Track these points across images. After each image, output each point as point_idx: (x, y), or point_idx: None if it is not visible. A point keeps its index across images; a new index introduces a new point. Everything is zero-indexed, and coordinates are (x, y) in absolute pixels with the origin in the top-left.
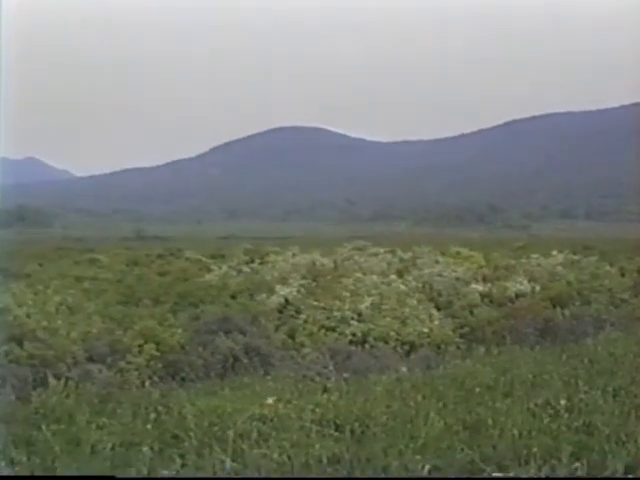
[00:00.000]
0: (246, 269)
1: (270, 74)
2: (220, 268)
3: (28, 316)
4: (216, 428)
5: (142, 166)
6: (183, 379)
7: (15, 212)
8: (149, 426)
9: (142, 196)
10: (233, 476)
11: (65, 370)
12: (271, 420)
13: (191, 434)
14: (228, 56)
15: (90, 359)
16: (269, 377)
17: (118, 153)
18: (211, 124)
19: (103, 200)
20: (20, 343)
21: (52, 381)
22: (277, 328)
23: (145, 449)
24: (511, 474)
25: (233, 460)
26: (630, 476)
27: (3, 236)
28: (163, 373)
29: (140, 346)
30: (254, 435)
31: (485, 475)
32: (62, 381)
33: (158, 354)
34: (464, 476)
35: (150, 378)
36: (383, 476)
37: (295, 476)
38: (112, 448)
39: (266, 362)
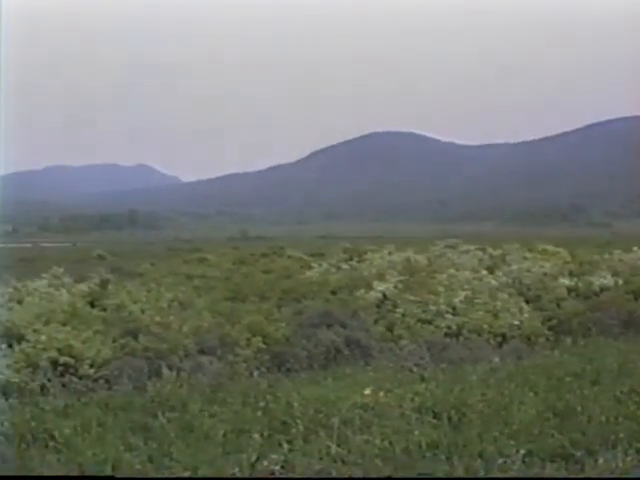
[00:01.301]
0: (345, 266)
1: (366, 80)
2: (320, 266)
3: (142, 312)
4: (321, 415)
5: (246, 171)
6: (288, 370)
7: (127, 216)
8: (259, 413)
9: (246, 199)
10: (233, 476)
11: (178, 362)
12: (372, 408)
13: (298, 421)
14: (325, 65)
15: (201, 351)
16: (369, 368)
17: (224, 159)
18: (310, 130)
19: (210, 203)
20: (135, 337)
21: (166, 372)
22: (376, 322)
23: (255, 435)
24: (600, 459)
25: (338, 445)
26: (630, 476)
27: (116, 238)
28: (270, 364)
29: (248, 339)
30: (357, 422)
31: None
32: (175, 372)
33: (265, 347)
34: (464, 476)
35: (258, 369)
36: (384, 476)
37: (295, 476)
38: (224, 435)
39: (366, 354)
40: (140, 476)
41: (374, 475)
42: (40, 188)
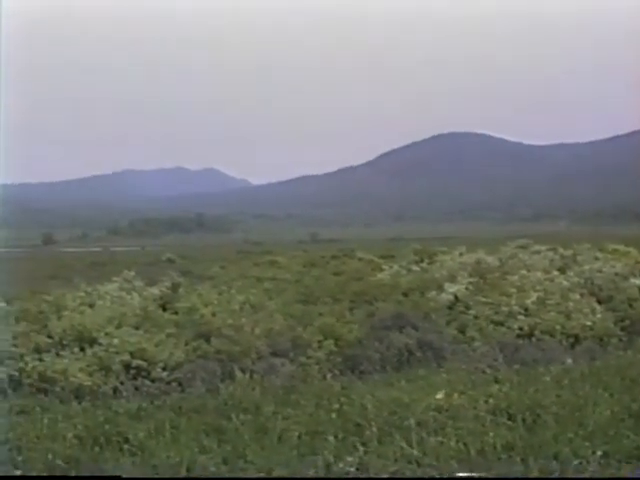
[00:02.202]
0: (416, 268)
1: (432, 81)
2: (391, 267)
3: (214, 314)
4: (395, 417)
5: (315, 173)
6: (361, 372)
7: (196, 219)
8: (333, 416)
9: (315, 202)
10: (232, 476)
11: (250, 364)
12: (447, 410)
13: (372, 423)
14: (390, 69)
15: (273, 354)
16: (442, 370)
17: (293, 162)
18: (378, 132)
19: (279, 206)
20: (207, 339)
21: (238, 374)
22: (448, 323)
23: (330, 437)
24: None
25: (412, 447)
26: (630, 476)
27: (185, 241)
28: (342, 367)
29: (320, 341)
30: (432, 424)
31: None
32: (248, 374)
33: (337, 349)
34: (464, 476)
35: (330, 371)
36: (384, 476)
37: (295, 476)
38: (298, 437)
39: (439, 355)
40: (145, 476)
41: (373, 475)
42: (109, 192)
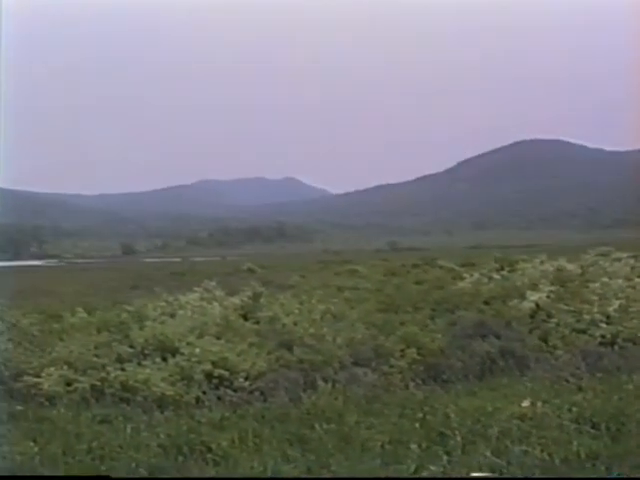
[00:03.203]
0: (496, 276)
1: (512, 85)
2: (472, 276)
3: (295, 324)
4: (479, 426)
5: (394, 182)
6: (444, 381)
7: (276, 228)
8: (416, 425)
9: (395, 210)
10: (232, 476)
11: (332, 373)
12: (530, 419)
13: (456, 432)
14: (466, 79)
15: (355, 363)
16: (525, 378)
17: (371, 170)
18: (458, 140)
19: (358, 215)
20: (290, 349)
21: (321, 384)
22: (530, 332)
23: (413, 446)
24: None
25: (496, 456)
26: (630, 476)
27: (266, 251)
28: (425, 376)
29: (402, 350)
30: (515, 433)
31: None
32: (330, 384)
33: (419, 358)
34: (464, 476)
35: (413, 380)
36: (384, 476)
37: (295, 476)
38: (381, 446)
39: (521, 364)
40: (138, 476)
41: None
42: (189, 202)
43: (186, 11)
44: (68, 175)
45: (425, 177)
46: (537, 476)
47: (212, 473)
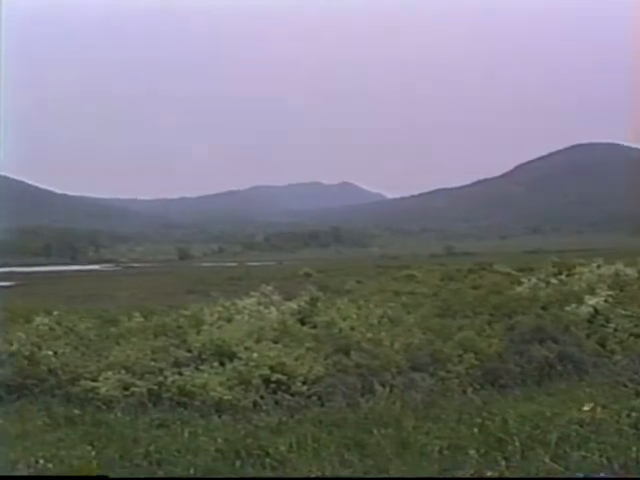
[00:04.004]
0: (554, 281)
1: (564, 93)
2: (529, 280)
3: (353, 329)
4: (537, 432)
5: (450, 186)
6: (502, 386)
7: (332, 233)
8: (475, 430)
9: (451, 215)
10: (233, 476)
11: (390, 378)
12: (589, 424)
13: (514, 438)
14: (520, 81)
15: (413, 368)
16: (583, 383)
17: (428, 174)
18: (515, 143)
19: (414, 219)
20: (347, 354)
21: (378, 388)
22: (588, 336)
23: (471, 452)
24: None
25: (555, 462)
26: (630, 476)
27: (322, 255)
28: (482, 381)
29: (460, 355)
30: (574, 438)
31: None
32: (388, 388)
33: (477, 363)
34: (464, 476)
35: (471, 385)
36: (384, 476)
37: (294, 476)
38: (439, 451)
39: (579, 369)
40: (136, 476)
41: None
42: (245, 207)
43: (246, 16)
44: (124, 180)
45: (481, 181)
46: (537, 476)
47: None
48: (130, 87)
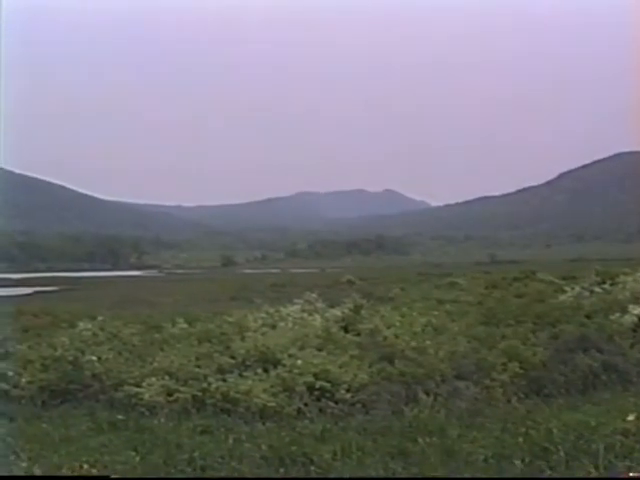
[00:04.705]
0: (598, 290)
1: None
2: (573, 289)
3: (397, 336)
4: (582, 441)
5: (493, 194)
6: (546, 395)
7: (375, 241)
8: (519, 439)
9: (494, 223)
10: (233, 476)
11: (434, 387)
12: (634, 434)
13: (559, 447)
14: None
15: (457, 376)
16: (628, 393)
17: (472, 182)
18: (558, 151)
19: (457, 227)
20: (391, 362)
21: (423, 397)
22: (632, 346)
23: (516, 461)
24: None
25: (600, 472)
26: (631, 475)
27: (365, 263)
28: (527, 389)
29: (504, 364)
30: (619, 448)
31: None
32: (432, 397)
33: (521, 372)
34: (464, 476)
35: (515, 394)
36: (383, 476)
37: (294, 476)
38: (484, 460)
39: (624, 379)
40: (137, 476)
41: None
42: (288, 215)
43: (287, 24)
44: (168, 187)
45: (525, 189)
46: (537, 476)
47: None
48: (170, 94)
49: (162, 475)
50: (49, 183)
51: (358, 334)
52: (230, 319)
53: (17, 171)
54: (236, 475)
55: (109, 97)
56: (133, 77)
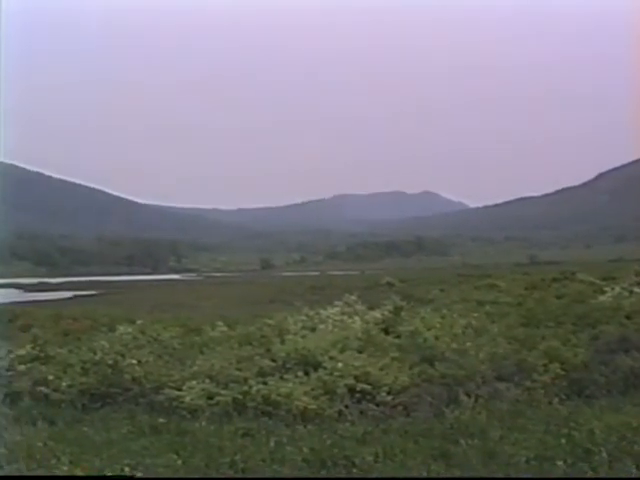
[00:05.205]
0: (638, 290)
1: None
2: (613, 289)
3: (437, 338)
4: (624, 443)
5: (533, 195)
6: (587, 396)
7: (414, 242)
8: (562, 441)
9: (534, 223)
10: (233, 476)
11: (475, 388)
12: None
13: (601, 448)
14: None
15: (498, 378)
16: None
17: (511, 183)
18: (596, 151)
19: (497, 228)
20: (432, 363)
21: (463, 398)
22: None
23: (559, 463)
24: None
25: None
26: (631, 476)
27: (404, 265)
28: (568, 391)
29: (545, 365)
30: None
31: None
32: (473, 399)
33: (563, 373)
34: (464, 476)
35: (557, 395)
36: (383, 476)
37: (295, 476)
38: (526, 462)
39: None
40: (139, 476)
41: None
42: (327, 217)
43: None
44: (206, 190)
45: (565, 189)
46: (537, 476)
47: None
48: (211, 99)
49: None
50: (89, 188)
51: (398, 336)
52: (270, 322)
53: (57, 176)
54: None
55: (150, 100)
56: (170, 80)
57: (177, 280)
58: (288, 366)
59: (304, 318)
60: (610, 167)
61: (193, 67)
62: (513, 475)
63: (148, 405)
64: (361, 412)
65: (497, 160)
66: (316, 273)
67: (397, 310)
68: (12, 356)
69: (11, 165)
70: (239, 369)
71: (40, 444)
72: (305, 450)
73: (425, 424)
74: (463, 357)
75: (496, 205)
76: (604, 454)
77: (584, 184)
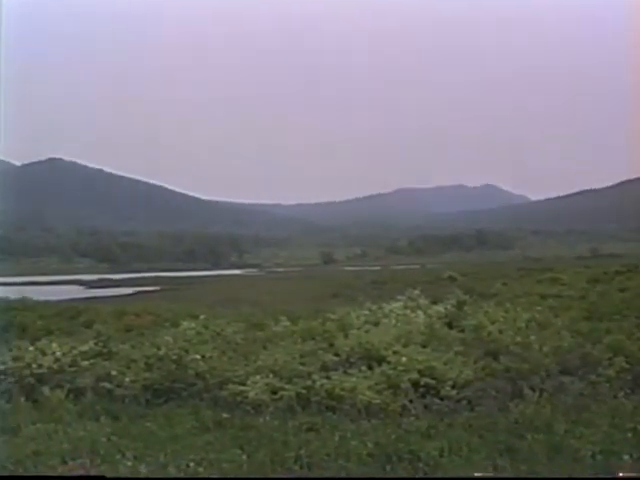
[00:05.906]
0: None
1: None
2: None
3: (501, 332)
4: None
5: (594, 187)
6: None
7: (475, 236)
8: (628, 435)
9: (596, 216)
10: (233, 476)
11: (539, 382)
12: None
13: None
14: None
15: (563, 372)
16: None
17: (572, 175)
18: None
19: (559, 221)
20: (496, 357)
21: (528, 392)
22: None
23: (625, 457)
24: None
25: None
26: (620, 475)
27: (465, 258)
28: (633, 385)
29: (610, 359)
30: None
31: None
32: (537, 393)
33: (628, 366)
34: (464, 476)
35: (622, 389)
36: (381, 476)
37: (295, 476)
38: (592, 456)
39: None
40: (136, 476)
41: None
42: (388, 211)
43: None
44: (266, 185)
45: (626, 182)
46: (537, 476)
47: None
48: (273, 89)
49: (269, 474)
50: (148, 184)
51: (462, 330)
52: (333, 316)
53: (118, 173)
54: (343, 473)
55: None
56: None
57: (238, 275)
58: (352, 360)
59: (367, 312)
60: None
61: (268, 70)
62: (579, 469)
63: (212, 400)
64: (425, 406)
65: (558, 153)
66: (377, 267)
67: (460, 304)
68: (75, 352)
69: (71, 162)
70: (302, 364)
71: (104, 439)
72: (370, 445)
73: (489, 418)
74: (527, 351)
75: (558, 198)
76: None
77: None
